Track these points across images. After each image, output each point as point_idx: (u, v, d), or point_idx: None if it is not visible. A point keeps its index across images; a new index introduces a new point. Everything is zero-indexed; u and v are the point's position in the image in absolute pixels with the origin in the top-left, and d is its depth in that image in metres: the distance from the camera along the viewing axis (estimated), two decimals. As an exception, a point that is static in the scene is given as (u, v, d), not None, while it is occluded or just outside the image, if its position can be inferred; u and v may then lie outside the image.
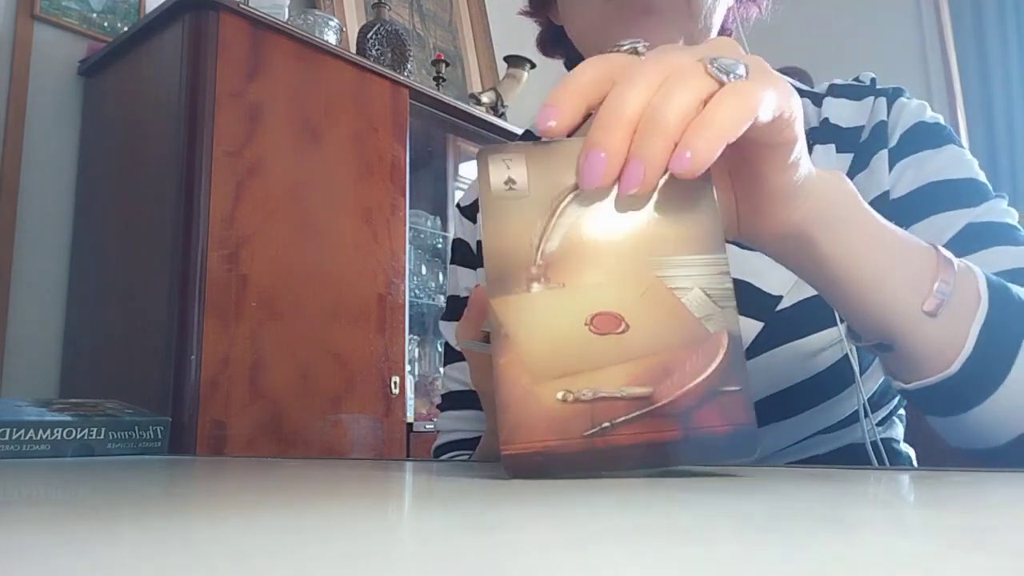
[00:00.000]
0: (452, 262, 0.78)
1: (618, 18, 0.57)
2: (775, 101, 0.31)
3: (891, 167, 0.58)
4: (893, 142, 0.59)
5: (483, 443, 0.58)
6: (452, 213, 2.53)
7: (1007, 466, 0.44)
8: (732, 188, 0.37)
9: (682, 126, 0.30)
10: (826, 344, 0.53)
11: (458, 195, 2.56)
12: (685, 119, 0.30)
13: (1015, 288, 0.42)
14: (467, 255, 0.76)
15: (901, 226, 0.57)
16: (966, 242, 0.53)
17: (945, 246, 0.54)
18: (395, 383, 1.86)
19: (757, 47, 0.66)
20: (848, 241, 0.38)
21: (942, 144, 0.58)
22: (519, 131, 2.52)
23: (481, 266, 0.74)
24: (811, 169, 0.36)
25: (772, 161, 0.34)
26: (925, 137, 0.59)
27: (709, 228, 0.32)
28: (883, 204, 0.57)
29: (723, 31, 0.68)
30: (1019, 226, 0.54)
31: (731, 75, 0.31)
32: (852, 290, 0.39)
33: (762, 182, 0.35)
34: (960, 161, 0.58)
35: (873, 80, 0.64)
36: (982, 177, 0.57)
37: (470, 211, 0.77)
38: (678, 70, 0.31)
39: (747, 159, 0.35)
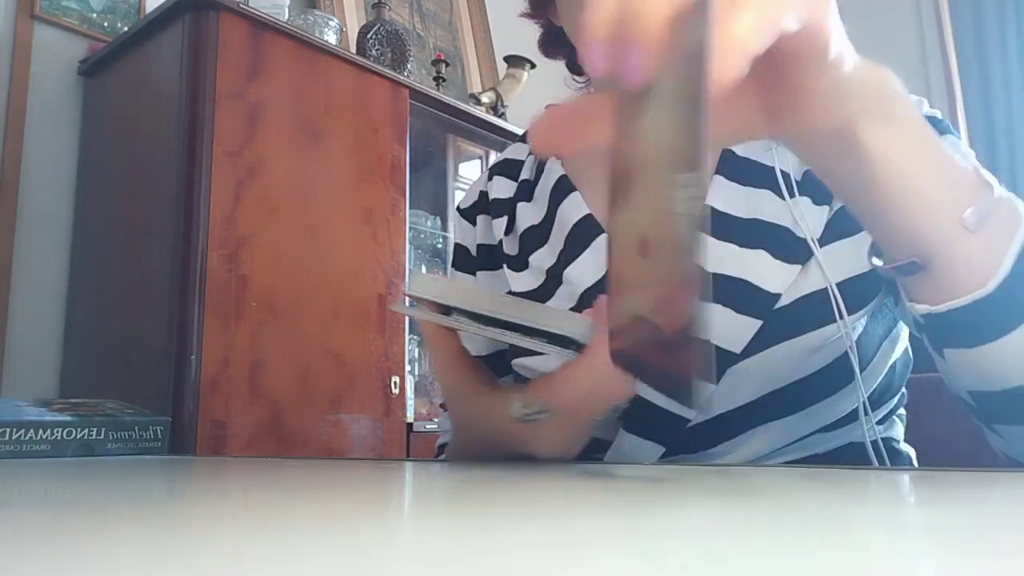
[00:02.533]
0: (452, 266, 0.78)
1: None
2: (801, 5, 0.30)
3: None
4: None
5: (452, 442, 0.58)
6: (452, 213, 2.53)
7: (1001, 420, 0.43)
8: (764, 87, 0.35)
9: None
10: (825, 341, 0.53)
11: (458, 195, 2.56)
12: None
13: None
14: (467, 260, 0.75)
15: None
16: None
17: None
18: (395, 383, 1.86)
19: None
20: (893, 141, 0.36)
21: (937, 132, 0.58)
22: (519, 131, 2.52)
23: (484, 269, 0.74)
24: (856, 62, 0.34)
25: (808, 67, 0.33)
26: None
27: (691, 142, 0.30)
28: None
29: None
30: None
31: None
32: (892, 196, 0.37)
33: (798, 86, 0.34)
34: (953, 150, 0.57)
35: None
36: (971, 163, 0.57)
37: (470, 213, 0.77)
38: None
39: (778, 65, 0.33)
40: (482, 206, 0.75)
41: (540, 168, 0.71)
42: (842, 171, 0.38)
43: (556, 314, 0.44)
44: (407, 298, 0.44)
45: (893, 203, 0.37)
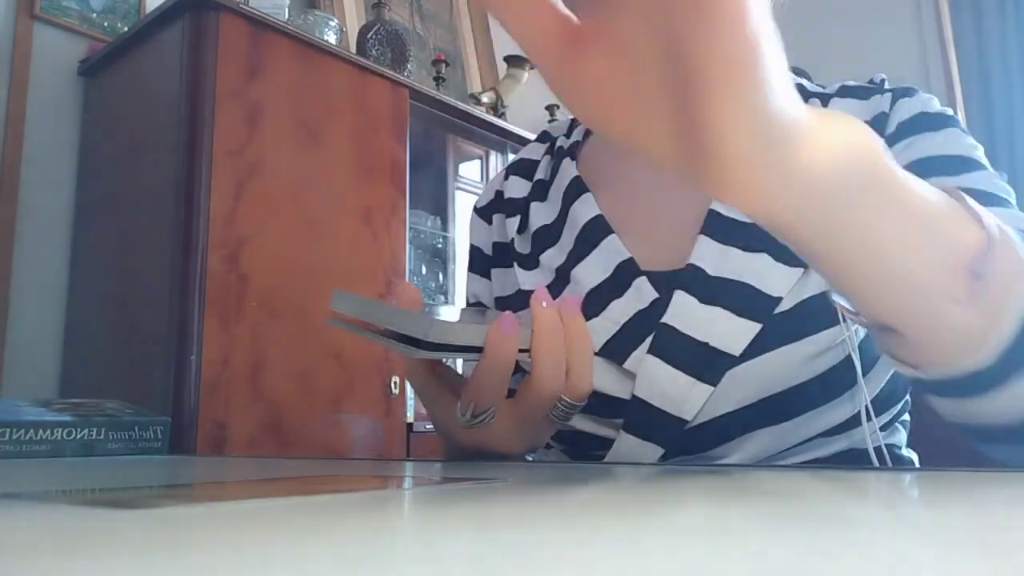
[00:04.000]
0: (468, 269, 0.78)
1: None
2: None
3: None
4: (891, 129, 0.59)
5: (444, 442, 0.59)
6: (452, 213, 2.53)
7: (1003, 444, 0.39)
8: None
9: None
10: (827, 346, 0.53)
11: (458, 196, 2.56)
12: None
13: None
14: (482, 262, 0.76)
15: None
16: None
17: None
18: (395, 383, 1.86)
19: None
20: (873, 229, 0.29)
21: (944, 126, 0.58)
22: (519, 131, 2.52)
23: (498, 267, 0.74)
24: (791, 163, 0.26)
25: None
26: (924, 122, 0.59)
27: None
28: None
29: None
30: (1007, 197, 0.53)
31: None
32: (858, 287, 0.32)
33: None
34: (956, 141, 0.57)
35: (883, 80, 0.64)
36: (981, 158, 0.56)
37: (487, 212, 0.77)
38: None
39: None
40: (498, 205, 0.76)
41: (555, 168, 0.72)
42: (815, 251, 0.30)
43: (463, 328, 0.44)
44: (332, 315, 0.46)
45: (859, 291, 0.32)
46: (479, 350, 0.44)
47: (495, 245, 0.74)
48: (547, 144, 0.77)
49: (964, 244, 0.32)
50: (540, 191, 0.72)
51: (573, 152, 0.72)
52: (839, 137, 0.27)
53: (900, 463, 0.61)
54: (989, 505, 0.22)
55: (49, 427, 0.66)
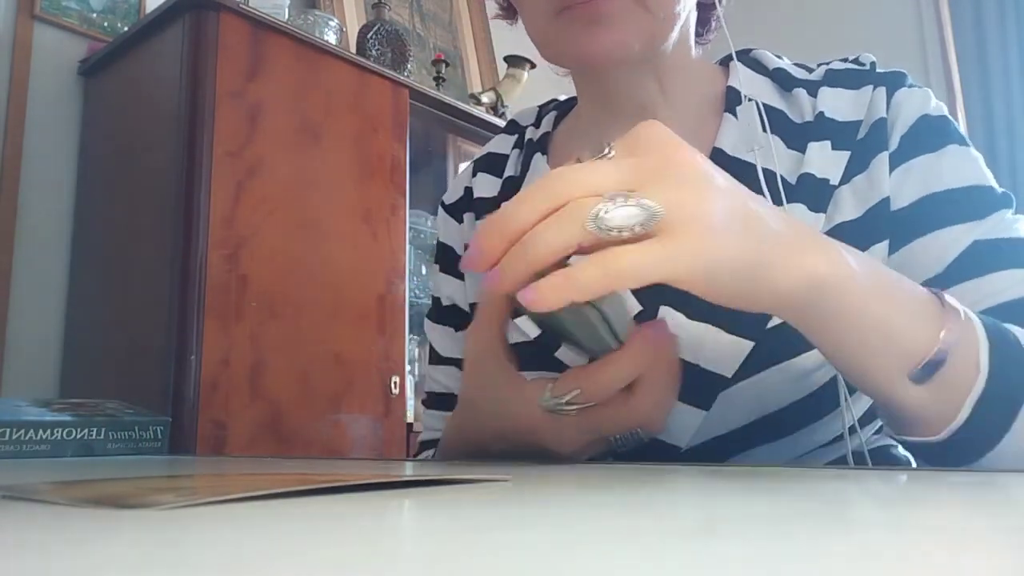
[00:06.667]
0: (440, 268, 0.74)
1: (568, 31, 0.55)
2: (661, 268, 0.33)
3: (891, 170, 0.56)
4: (894, 144, 0.56)
5: (443, 443, 0.57)
6: (451, 213, 2.52)
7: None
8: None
9: (543, 261, 0.35)
10: (817, 364, 0.52)
11: (458, 195, 2.56)
12: (548, 257, 0.35)
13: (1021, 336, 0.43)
14: (453, 262, 0.72)
15: (904, 241, 0.54)
16: (973, 263, 0.52)
17: (951, 265, 0.52)
18: (395, 383, 1.86)
19: (756, 46, 0.66)
20: (832, 334, 0.40)
21: (944, 144, 0.56)
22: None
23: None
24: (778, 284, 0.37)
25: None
26: (927, 137, 0.56)
27: None
28: (884, 211, 0.55)
29: (705, 7, 0.65)
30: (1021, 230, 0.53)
31: (617, 230, 0.33)
32: (836, 361, 0.42)
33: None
34: (964, 164, 0.55)
35: (873, 64, 0.61)
36: (988, 178, 0.55)
37: (456, 209, 0.73)
38: (564, 213, 0.35)
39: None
40: (467, 203, 0.72)
41: (526, 164, 0.67)
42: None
43: (629, 323, 0.43)
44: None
45: (837, 363, 0.43)
46: (604, 347, 0.43)
47: (467, 247, 0.70)
48: (515, 136, 0.72)
49: (917, 349, 0.40)
50: (511, 189, 0.67)
51: (544, 145, 0.67)
52: (811, 267, 0.37)
53: (897, 464, 0.61)
54: (989, 505, 0.22)
55: (49, 427, 0.66)
